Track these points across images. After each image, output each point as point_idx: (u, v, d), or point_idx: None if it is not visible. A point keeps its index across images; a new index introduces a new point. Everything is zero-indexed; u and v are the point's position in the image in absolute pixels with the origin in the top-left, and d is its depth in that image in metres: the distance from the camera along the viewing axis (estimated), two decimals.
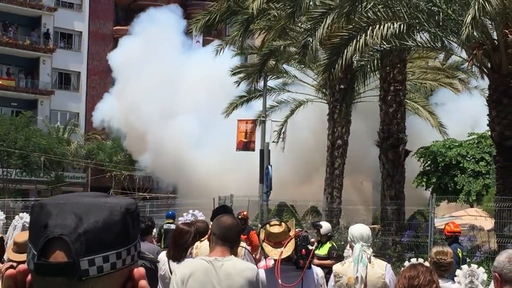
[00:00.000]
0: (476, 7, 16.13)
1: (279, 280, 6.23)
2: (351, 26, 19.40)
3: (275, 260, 6.39)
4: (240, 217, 15.54)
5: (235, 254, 5.23)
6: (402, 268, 7.33)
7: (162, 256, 6.88)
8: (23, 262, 6.19)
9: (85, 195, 1.55)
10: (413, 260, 7.43)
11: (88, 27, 57.80)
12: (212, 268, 4.92)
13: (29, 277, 1.50)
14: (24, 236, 7.11)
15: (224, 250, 5.04)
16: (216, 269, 4.92)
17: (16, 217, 12.44)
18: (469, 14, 16.13)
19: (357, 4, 18.90)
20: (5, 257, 7.61)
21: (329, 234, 13.70)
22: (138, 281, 1.51)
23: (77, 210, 1.47)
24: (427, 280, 4.60)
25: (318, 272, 6.90)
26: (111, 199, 1.53)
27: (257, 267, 5.94)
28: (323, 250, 13.12)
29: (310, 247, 6.54)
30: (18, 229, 11.51)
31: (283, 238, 6.39)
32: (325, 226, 13.64)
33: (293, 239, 6.42)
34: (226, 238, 5.09)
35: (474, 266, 7.82)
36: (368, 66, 21.49)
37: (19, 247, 6.92)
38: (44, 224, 1.46)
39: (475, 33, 17.41)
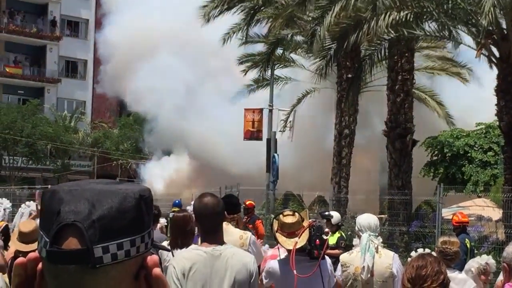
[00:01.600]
0: None
1: (294, 271, 6.19)
2: (358, 15, 19.34)
3: (288, 250, 6.35)
4: (244, 206, 15.51)
5: (222, 233, 5.14)
6: (410, 258, 7.29)
7: (165, 244, 6.82)
8: (27, 252, 6.11)
9: (98, 181, 1.51)
10: (420, 250, 7.38)
11: (95, 15, 57.71)
12: (211, 258, 4.86)
13: (40, 265, 1.47)
14: (28, 226, 7.07)
15: (217, 240, 4.96)
16: (215, 259, 4.86)
17: (23, 205, 12.43)
18: (487, 4, 16.00)
19: None
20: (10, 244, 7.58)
21: (339, 223, 13.74)
22: (151, 269, 1.48)
23: (90, 196, 1.44)
24: (435, 271, 4.55)
25: (329, 262, 6.88)
26: (124, 186, 1.50)
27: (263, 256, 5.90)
28: (332, 240, 13.15)
29: (324, 237, 6.54)
30: (25, 216, 11.49)
31: (296, 228, 6.35)
32: (336, 216, 13.66)
33: (307, 229, 6.38)
34: (212, 230, 4.97)
35: (484, 256, 7.77)
36: (376, 55, 21.40)
37: (23, 237, 6.88)
38: (56, 210, 1.42)
39: (483, 22, 17.32)
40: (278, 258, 6.63)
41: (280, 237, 6.38)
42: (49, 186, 1.53)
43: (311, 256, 6.38)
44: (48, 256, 1.42)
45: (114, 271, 1.42)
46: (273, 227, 6.52)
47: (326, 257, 6.85)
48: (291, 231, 6.34)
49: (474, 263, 7.51)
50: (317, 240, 6.40)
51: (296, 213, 6.55)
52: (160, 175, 44.12)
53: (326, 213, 14.19)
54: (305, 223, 6.44)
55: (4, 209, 12.17)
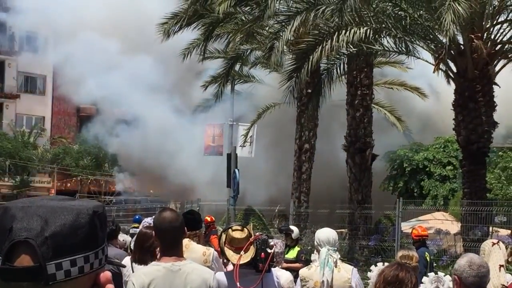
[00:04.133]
0: (451, 10, 16.21)
1: (238, 283, 6.24)
2: (317, 32, 19.42)
3: (233, 264, 6.41)
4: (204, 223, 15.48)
5: (181, 249, 5.12)
6: (370, 273, 7.32)
7: (127, 260, 6.80)
8: None
9: (51, 198, 1.51)
10: (380, 265, 7.42)
11: None
12: (171, 273, 4.84)
13: None
14: None
15: (176, 257, 4.96)
16: (174, 275, 4.84)
17: None
18: (446, 19, 16.19)
19: (323, 8, 18.90)
20: None
21: (298, 238, 13.88)
22: (104, 286, 1.48)
23: (43, 213, 1.42)
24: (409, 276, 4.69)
25: (282, 275, 6.87)
26: (77, 202, 1.50)
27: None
28: (292, 254, 13.22)
29: (269, 251, 6.55)
30: None
31: (245, 243, 6.40)
32: (296, 230, 13.80)
33: (253, 243, 6.43)
34: (171, 244, 4.98)
35: (441, 273, 7.84)
36: (335, 70, 21.50)
37: None
38: (8, 227, 1.41)
39: (440, 38, 17.53)
40: (225, 271, 6.72)
41: (228, 252, 6.42)
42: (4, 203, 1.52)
43: (257, 269, 6.41)
44: (1, 274, 1.40)
45: (67, 287, 1.41)
46: (221, 241, 6.55)
47: (284, 271, 6.87)
48: (239, 246, 6.39)
49: (427, 281, 7.56)
50: (262, 254, 6.43)
51: (245, 228, 6.59)
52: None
53: (286, 227, 14.27)
54: (251, 238, 6.48)
55: None
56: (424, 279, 7.35)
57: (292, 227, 14.19)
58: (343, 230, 22.74)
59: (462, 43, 19.26)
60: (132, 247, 7.54)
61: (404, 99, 33.59)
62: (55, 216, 1.42)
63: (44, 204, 1.46)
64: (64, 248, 1.41)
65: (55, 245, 1.40)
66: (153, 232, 6.67)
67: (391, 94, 32.72)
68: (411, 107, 33.96)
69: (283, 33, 19.81)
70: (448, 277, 7.42)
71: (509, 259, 9.59)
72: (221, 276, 6.44)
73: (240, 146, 30.89)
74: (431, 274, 7.43)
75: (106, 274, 1.49)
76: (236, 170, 27.19)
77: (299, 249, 13.52)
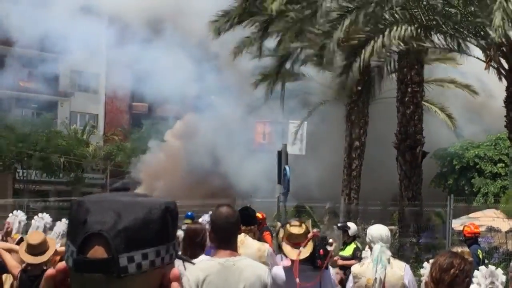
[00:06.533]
0: (501, 9, 16.13)
1: (297, 279, 6.28)
2: (368, 28, 19.45)
3: (292, 260, 6.43)
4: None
5: (236, 245, 5.21)
6: (422, 270, 7.34)
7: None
8: (36, 264, 6.30)
9: (124, 194, 1.55)
10: (432, 261, 7.46)
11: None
12: (225, 269, 4.87)
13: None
14: (37, 238, 7.06)
15: (231, 252, 5.00)
16: (228, 270, 4.87)
17: (36, 217, 12.37)
18: (497, 17, 16.12)
19: (375, 6, 18.93)
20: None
21: (355, 235, 13.73)
22: (170, 283, 1.51)
23: (116, 207, 1.46)
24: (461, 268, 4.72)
25: (333, 272, 6.95)
26: (150, 198, 1.54)
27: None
28: (348, 251, 13.13)
29: (328, 248, 6.59)
30: (40, 229, 11.54)
31: (302, 239, 6.42)
32: (353, 227, 13.61)
33: (311, 239, 6.46)
34: (226, 239, 5.02)
35: (492, 267, 7.84)
36: (385, 67, 21.50)
37: (32, 249, 6.89)
38: (83, 220, 1.45)
39: (492, 34, 17.42)
40: (283, 266, 6.69)
41: (286, 247, 6.46)
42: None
43: (315, 265, 6.47)
44: (75, 265, 1.44)
45: (138, 281, 1.45)
46: (279, 236, 6.60)
47: (330, 267, 6.93)
48: (297, 241, 6.42)
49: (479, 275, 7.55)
50: (321, 250, 6.47)
51: (303, 224, 6.61)
52: None
53: (343, 224, 14.24)
54: (309, 234, 6.51)
55: (19, 222, 12.23)
56: (476, 273, 7.34)
57: (350, 224, 14.05)
58: (393, 227, 22.73)
59: None
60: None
61: (455, 96, 33.35)
62: (128, 211, 1.46)
63: (117, 199, 1.50)
64: (136, 242, 1.44)
65: (127, 239, 1.43)
66: (202, 227, 6.86)
67: (442, 91, 32.49)
68: (462, 104, 33.67)
69: (335, 32, 19.89)
70: (500, 270, 7.44)
71: None
72: (279, 270, 6.48)
73: (291, 143, 31.00)
74: (483, 268, 7.41)
75: (175, 272, 1.52)
76: (287, 167, 27.28)
77: (355, 246, 13.27)
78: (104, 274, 1.42)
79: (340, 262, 12.67)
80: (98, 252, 1.43)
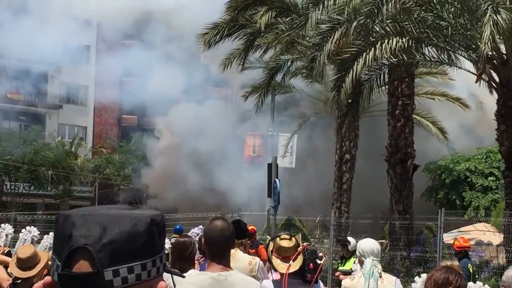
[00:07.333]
0: (491, 22, 16.11)
1: None
2: (359, 42, 19.39)
3: (281, 274, 6.37)
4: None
5: (229, 259, 5.14)
6: (413, 284, 7.27)
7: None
8: (26, 279, 6.13)
9: (110, 207, 1.54)
10: (424, 275, 7.38)
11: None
12: (217, 283, 4.79)
13: None
14: (26, 252, 7.00)
15: (223, 266, 4.91)
16: (221, 285, 4.79)
17: (23, 230, 12.34)
18: (486, 30, 16.10)
19: (366, 19, 18.87)
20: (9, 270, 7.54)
21: (355, 249, 13.62)
22: None
23: (102, 220, 1.45)
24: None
25: (322, 286, 6.88)
26: (136, 211, 1.52)
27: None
28: (348, 265, 13.08)
29: (318, 262, 6.52)
30: (28, 243, 11.43)
31: (292, 252, 6.38)
32: (353, 242, 13.54)
33: (301, 253, 6.41)
34: (219, 253, 4.93)
35: (479, 283, 7.76)
36: (376, 80, 21.45)
37: (22, 263, 6.82)
38: (68, 234, 1.44)
39: (483, 49, 17.39)
40: (272, 279, 6.64)
41: (275, 260, 6.40)
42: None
43: (304, 279, 6.40)
44: (60, 280, 1.43)
45: None
46: (268, 249, 6.55)
47: (320, 281, 6.87)
48: (286, 255, 6.37)
49: None
50: (311, 264, 6.41)
51: (293, 238, 6.57)
52: None
53: (343, 238, 14.16)
54: (299, 247, 6.46)
55: (6, 235, 12.13)
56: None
57: (350, 238, 14.03)
58: (383, 240, 22.65)
59: (505, 52, 19.10)
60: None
61: (446, 109, 33.38)
62: (113, 224, 1.44)
63: (104, 212, 1.48)
64: (122, 255, 1.42)
65: (112, 252, 1.41)
66: (191, 240, 6.76)
67: (433, 104, 32.52)
68: (453, 117, 33.71)
69: (325, 45, 19.83)
70: (487, 287, 7.35)
71: None
72: (268, 284, 6.43)
73: (281, 156, 30.94)
74: (471, 284, 7.33)
75: (162, 285, 1.50)
76: (277, 180, 27.21)
77: (355, 260, 13.34)
78: None
79: (342, 277, 12.57)
80: (83, 266, 1.42)
